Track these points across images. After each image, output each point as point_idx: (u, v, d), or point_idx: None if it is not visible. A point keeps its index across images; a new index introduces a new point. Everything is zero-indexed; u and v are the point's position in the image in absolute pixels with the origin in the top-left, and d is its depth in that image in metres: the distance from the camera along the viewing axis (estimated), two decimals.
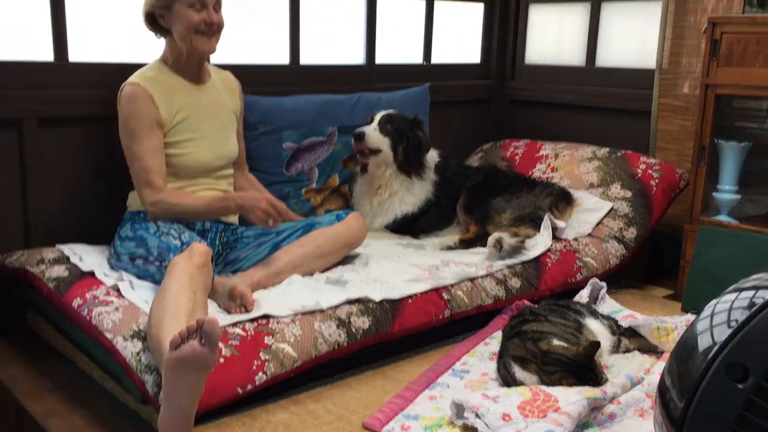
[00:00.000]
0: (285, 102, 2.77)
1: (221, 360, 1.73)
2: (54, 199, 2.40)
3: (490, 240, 2.47)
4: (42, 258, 2.21)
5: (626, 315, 2.31)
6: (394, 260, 2.43)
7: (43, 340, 2.27)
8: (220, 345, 1.74)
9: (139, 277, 2.08)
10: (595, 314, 2.12)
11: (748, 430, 1.02)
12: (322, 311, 2.00)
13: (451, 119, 3.53)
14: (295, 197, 2.79)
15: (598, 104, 3.37)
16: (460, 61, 3.65)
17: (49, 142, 2.36)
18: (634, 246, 2.78)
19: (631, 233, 2.78)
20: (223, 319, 1.91)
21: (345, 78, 3.12)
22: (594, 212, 2.83)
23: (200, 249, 1.94)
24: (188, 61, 2.25)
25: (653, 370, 1.96)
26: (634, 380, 1.84)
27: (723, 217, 2.74)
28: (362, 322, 2.03)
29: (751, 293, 1.13)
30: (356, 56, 3.23)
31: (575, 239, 2.70)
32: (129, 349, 1.76)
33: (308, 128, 2.80)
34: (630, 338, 2.11)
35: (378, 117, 2.78)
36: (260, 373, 1.79)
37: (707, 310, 1.18)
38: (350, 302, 2.06)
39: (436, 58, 3.52)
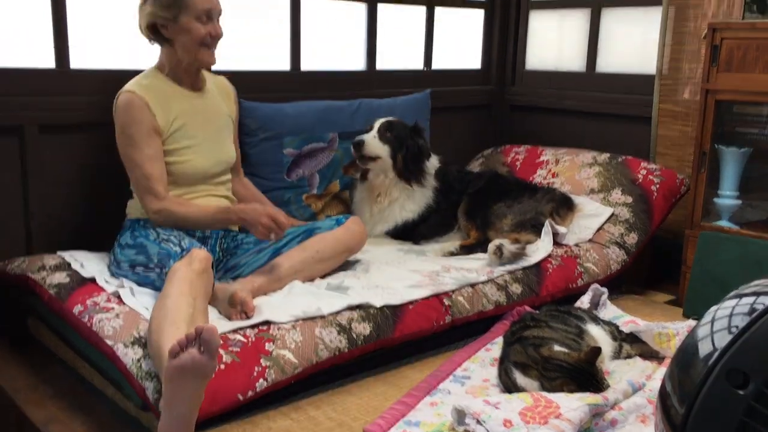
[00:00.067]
0: (286, 108, 2.78)
1: (222, 366, 1.73)
2: (55, 205, 2.41)
3: (491, 247, 2.47)
4: (43, 264, 2.21)
5: (627, 321, 2.30)
6: (394, 266, 2.43)
7: (44, 347, 2.27)
8: (221, 351, 1.74)
9: (140, 284, 2.08)
10: (597, 320, 2.12)
11: None
12: (323, 317, 2.00)
13: (452, 125, 3.53)
14: (295, 203, 2.80)
15: (599, 110, 3.38)
16: (461, 67, 3.66)
17: (51, 149, 2.37)
18: (635, 251, 2.78)
19: (632, 239, 2.78)
20: (223, 325, 1.91)
21: (346, 84, 3.13)
22: (595, 218, 2.83)
23: (200, 255, 1.94)
24: (187, 71, 2.25)
25: (655, 376, 1.96)
26: (635, 386, 1.84)
27: (724, 223, 2.74)
28: (363, 328, 2.02)
29: (751, 299, 1.13)
30: (357, 62, 3.23)
31: (576, 245, 2.70)
32: (129, 356, 1.76)
33: (309, 134, 2.81)
34: (631, 344, 2.11)
35: (377, 124, 2.78)
36: (261, 380, 1.79)
37: (708, 316, 1.18)
38: (351, 308, 2.06)
39: (437, 64, 3.53)
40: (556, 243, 2.66)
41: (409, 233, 2.80)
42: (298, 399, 1.90)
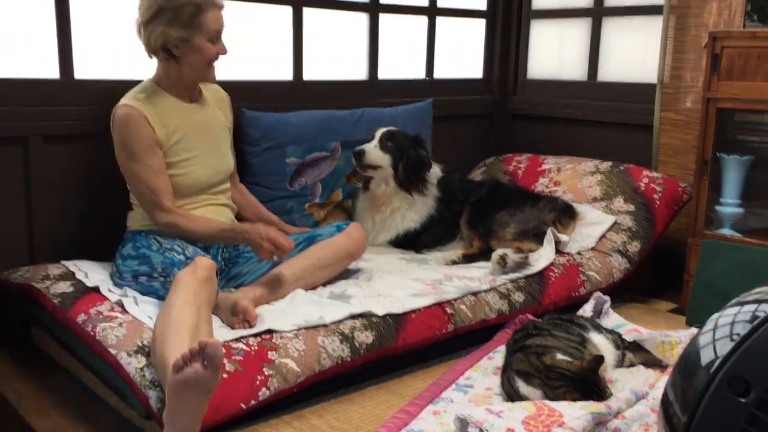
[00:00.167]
0: (288, 117, 2.79)
1: (224, 375, 1.73)
2: (59, 215, 2.41)
3: (494, 256, 2.47)
4: (47, 274, 2.22)
5: (630, 329, 2.30)
6: (397, 275, 2.43)
7: (48, 356, 2.27)
8: (224, 360, 1.74)
9: (143, 293, 2.09)
10: (599, 328, 2.11)
11: None
12: (325, 326, 2.00)
13: (454, 134, 3.54)
14: (298, 212, 2.80)
15: (600, 118, 3.39)
16: (463, 76, 3.67)
17: (55, 159, 2.38)
18: (638, 260, 2.78)
19: (634, 247, 2.78)
20: (226, 334, 1.91)
21: (348, 93, 3.14)
22: (597, 226, 2.83)
23: (204, 263, 1.94)
24: (188, 86, 2.26)
25: (658, 384, 1.95)
26: (638, 395, 1.84)
27: (726, 231, 2.73)
28: (366, 337, 2.03)
29: (753, 307, 1.13)
30: (359, 72, 3.25)
31: (578, 253, 2.70)
32: (133, 365, 1.77)
33: (311, 143, 2.82)
34: (634, 352, 2.11)
35: (379, 134, 2.79)
36: (264, 389, 1.79)
37: (709, 324, 1.18)
38: (353, 317, 2.06)
39: (439, 74, 3.54)
40: (559, 251, 2.66)
41: (412, 242, 2.80)
42: (301, 408, 1.90)
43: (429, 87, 3.46)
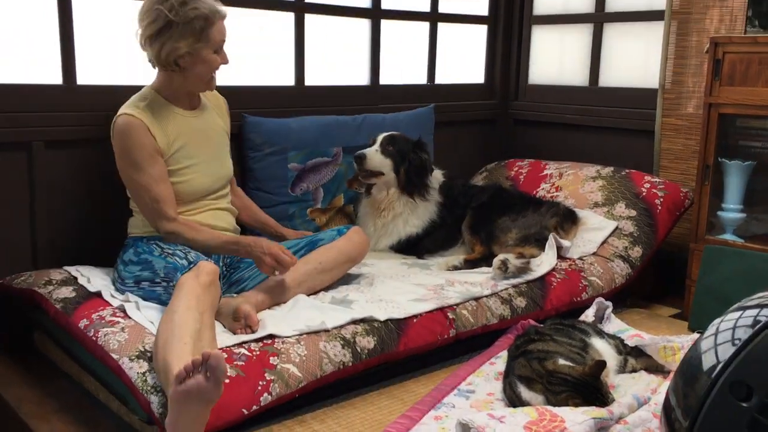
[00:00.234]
0: (290, 123, 2.80)
1: (226, 381, 1.73)
2: (62, 221, 2.42)
3: (496, 262, 2.47)
4: (49, 279, 2.22)
5: (632, 334, 2.30)
6: (398, 280, 2.43)
7: (50, 361, 2.27)
8: (225, 365, 1.74)
9: (145, 298, 2.09)
10: (601, 333, 2.11)
11: None
12: (327, 331, 2.00)
13: (456, 139, 3.55)
14: (300, 217, 2.81)
15: (602, 124, 3.39)
16: (464, 82, 3.68)
17: (58, 165, 2.39)
18: (640, 265, 2.78)
19: (636, 252, 2.78)
20: (228, 339, 1.91)
21: (350, 99, 3.14)
22: (599, 231, 2.83)
23: (207, 268, 1.94)
24: (190, 94, 2.27)
25: (660, 390, 1.95)
26: (641, 400, 1.83)
27: (728, 236, 2.73)
28: (367, 342, 2.03)
29: (754, 311, 1.13)
30: (361, 77, 3.26)
31: (580, 258, 2.70)
32: (135, 370, 1.77)
33: (313, 149, 2.82)
34: (636, 358, 2.10)
35: (380, 138, 2.80)
36: (265, 394, 1.79)
37: (711, 329, 1.18)
38: (355, 322, 2.06)
39: (440, 79, 3.55)
40: (560, 257, 2.66)
41: (413, 247, 2.80)
42: (303, 413, 1.90)
43: (431, 92, 3.47)
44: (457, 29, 3.60)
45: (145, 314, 1.99)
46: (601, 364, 1.79)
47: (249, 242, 2.15)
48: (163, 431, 1.59)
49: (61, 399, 2.07)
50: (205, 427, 1.60)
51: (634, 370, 2.09)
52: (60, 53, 2.40)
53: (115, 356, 1.82)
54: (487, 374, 2.11)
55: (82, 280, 2.21)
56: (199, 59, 2.15)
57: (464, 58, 3.68)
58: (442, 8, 3.47)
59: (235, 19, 2.59)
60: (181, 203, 2.22)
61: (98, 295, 2.12)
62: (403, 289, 2.32)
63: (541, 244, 2.66)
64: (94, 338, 1.90)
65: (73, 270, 2.29)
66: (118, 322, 1.94)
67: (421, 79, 3.50)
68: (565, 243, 2.69)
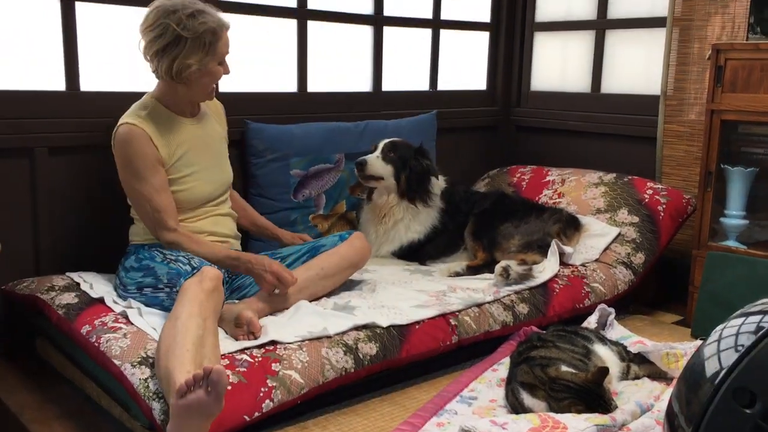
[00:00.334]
0: (293, 129, 2.80)
1: (228, 387, 1.73)
2: (65, 227, 2.42)
3: (497, 268, 2.47)
4: (52, 285, 2.22)
5: (635, 341, 2.30)
6: (401, 286, 2.43)
7: (52, 366, 2.27)
8: (228, 372, 1.74)
9: (147, 305, 2.09)
10: (604, 340, 2.11)
11: None
12: (329, 337, 2.00)
13: (458, 145, 3.55)
14: (302, 223, 2.81)
15: (604, 130, 3.39)
16: (467, 88, 3.69)
17: (61, 171, 2.39)
18: (642, 271, 2.77)
19: (639, 259, 2.77)
20: (230, 345, 1.91)
21: (352, 105, 3.15)
22: (601, 238, 2.82)
23: (211, 273, 1.94)
24: (191, 103, 2.27)
25: (663, 397, 1.94)
26: (643, 407, 1.83)
27: (731, 243, 2.73)
28: (369, 348, 2.02)
29: (757, 318, 1.13)
30: (363, 84, 3.26)
31: (583, 265, 2.70)
32: (137, 376, 1.77)
33: (316, 155, 2.83)
34: (639, 365, 2.10)
35: (381, 145, 2.80)
36: (267, 401, 1.79)
37: (714, 335, 1.18)
38: (357, 328, 2.06)
39: (443, 86, 3.55)
40: (563, 263, 2.66)
41: (415, 254, 2.80)
42: (305, 419, 1.90)
43: (433, 99, 3.47)
44: (460, 36, 3.61)
45: (148, 320, 1.99)
46: (604, 371, 1.79)
47: (249, 258, 2.15)
48: None
49: (62, 405, 2.07)
50: None
51: (637, 377, 2.08)
52: (63, 60, 2.41)
53: (117, 362, 1.82)
54: (490, 381, 2.10)
55: (84, 287, 2.21)
56: (206, 72, 2.16)
57: (466, 65, 3.69)
58: (445, 15, 3.48)
59: (238, 26, 2.60)
60: (182, 211, 2.22)
61: (101, 301, 2.12)
62: (405, 296, 2.32)
63: (543, 251, 2.66)
64: (96, 344, 1.90)
65: (76, 276, 2.30)
66: (121, 328, 1.94)
67: (424, 85, 3.50)
68: (568, 249, 2.69)
